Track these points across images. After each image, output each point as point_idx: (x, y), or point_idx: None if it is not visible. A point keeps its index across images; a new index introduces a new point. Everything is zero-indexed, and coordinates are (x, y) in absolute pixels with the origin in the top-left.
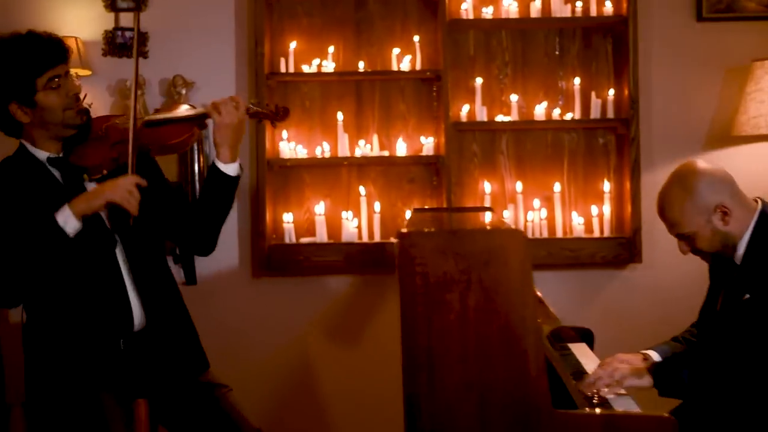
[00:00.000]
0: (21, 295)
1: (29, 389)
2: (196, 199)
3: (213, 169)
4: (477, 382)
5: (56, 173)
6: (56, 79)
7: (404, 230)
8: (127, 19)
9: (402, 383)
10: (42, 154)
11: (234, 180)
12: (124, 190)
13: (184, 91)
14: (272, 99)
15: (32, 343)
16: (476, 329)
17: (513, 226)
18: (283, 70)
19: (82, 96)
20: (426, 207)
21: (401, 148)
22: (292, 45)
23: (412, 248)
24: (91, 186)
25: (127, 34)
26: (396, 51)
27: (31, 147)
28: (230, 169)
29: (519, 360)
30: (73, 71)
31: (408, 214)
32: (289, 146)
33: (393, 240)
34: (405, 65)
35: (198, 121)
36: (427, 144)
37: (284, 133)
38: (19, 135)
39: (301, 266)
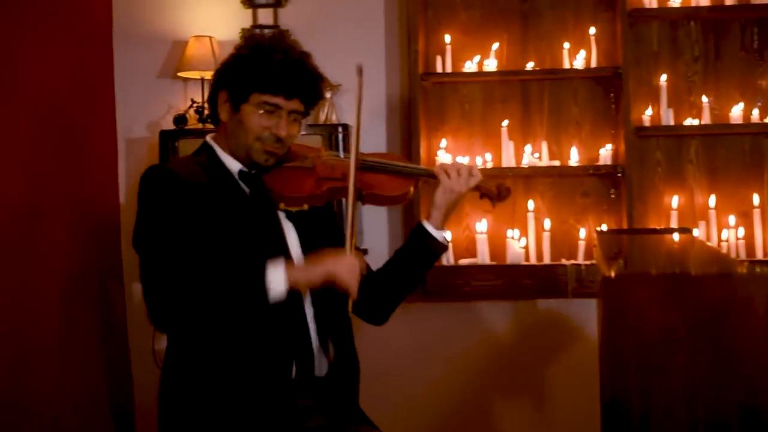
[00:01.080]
0: (186, 323)
1: None
2: (387, 264)
3: (419, 232)
4: None
5: (244, 187)
6: (272, 108)
7: (610, 273)
8: (265, 16)
9: None
10: (233, 164)
11: (440, 249)
12: (350, 271)
13: (328, 95)
14: (427, 102)
15: (178, 386)
16: (709, 405)
17: (758, 269)
18: (439, 69)
19: (290, 143)
20: (616, 228)
21: (574, 157)
22: (449, 41)
23: (622, 296)
24: (282, 217)
25: (266, 32)
26: (568, 46)
27: (221, 152)
28: (439, 234)
29: None
30: (208, 75)
31: (582, 233)
32: (447, 157)
33: (565, 262)
34: (578, 62)
35: (422, 177)
36: (604, 152)
37: (442, 142)
38: (216, 122)
39: (459, 291)
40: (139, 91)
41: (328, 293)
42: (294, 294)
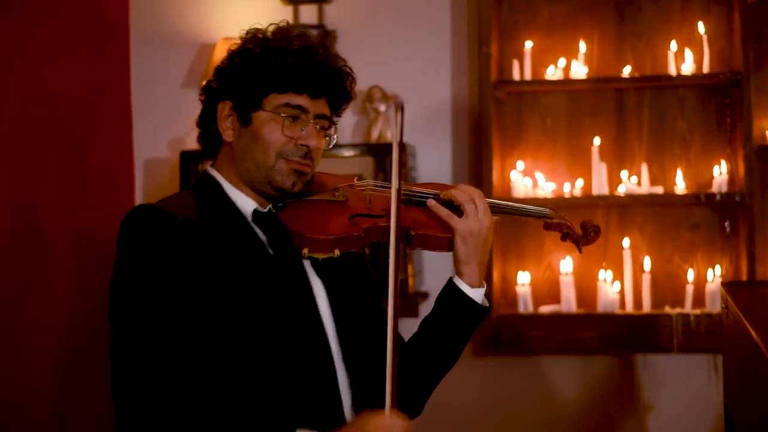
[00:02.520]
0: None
1: None
2: (414, 339)
3: (451, 292)
4: None
5: (259, 232)
6: (296, 111)
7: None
8: (309, 14)
9: None
10: (246, 203)
11: (480, 313)
12: None
13: (382, 107)
14: (501, 116)
15: None
16: None
17: None
18: (516, 76)
19: (316, 163)
20: (749, 281)
21: (680, 183)
22: (529, 44)
23: None
24: (308, 265)
25: (312, 32)
26: (674, 47)
27: (228, 186)
28: (477, 296)
29: None
30: None
31: (690, 275)
32: (524, 181)
33: (669, 310)
34: (686, 67)
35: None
36: (718, 176)
37: (518, 164)
38: (212, 153)
39: (540, 344)
40: (160, 103)
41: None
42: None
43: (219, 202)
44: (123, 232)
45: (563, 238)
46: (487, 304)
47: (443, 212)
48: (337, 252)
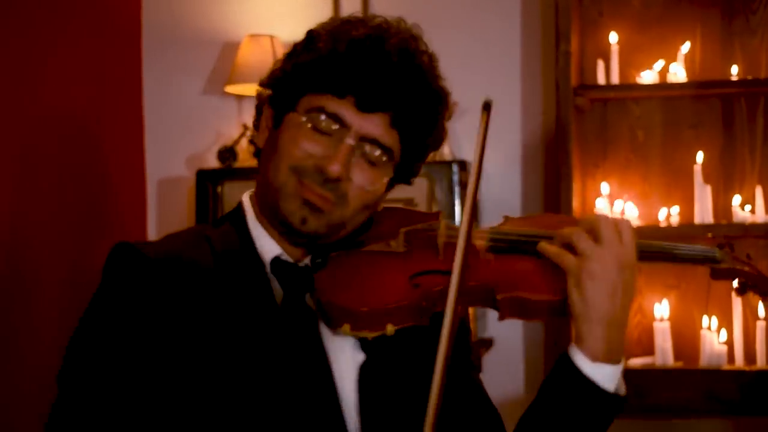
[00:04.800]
0: None
1: None
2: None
3: (563, 368)
4: None
5: (277, 288)
6: (330, 121)
7: None
8: (351, 5)
9: None
10: (268, 245)
11: (609, 403)
12: None
13: None
14: (583, 128)
15: None
16: None
17: None
18: (601, 80)
19: (351, 206)
20: None
21: None
22: (616, 40)
23: None
24: (343, 341)
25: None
26: None
27: (253, 223)
28: (604, 376)
29: None
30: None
31: None
32: (611, 206)
33: None
34: None
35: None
36: None
37: (603, 186)
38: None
39: (628, 405)
40: (177, 113)
41: None
42: None
43: (235, 243)
44: (101, 278)
45: (741, 291)
46: (623, 392)
47: (552, 250)
48: (390, 328)
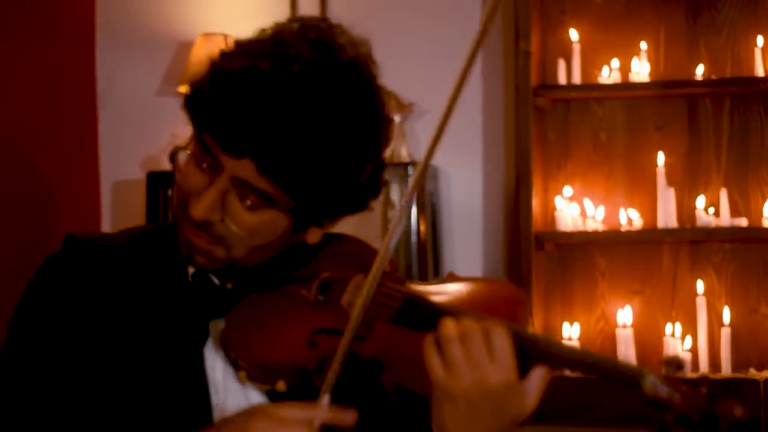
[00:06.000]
0: None
1: None
2: None
3: None
4: None
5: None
6: (207, 157)
7: None
8: (310, 5)
9: None
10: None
11: None
12: None
13: (397, 118)
14: (543, 129)
15: None
16: None
17: None
18: (562, 80)
19: (234, 249)
20: None
21: None
22: (576, 39)
23: None
24: (248, 391)
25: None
26: (760, 42)
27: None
28: None
29: None
30: None
31: None
32: (572, 210)
33: (755, 373)
34: None
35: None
36: None
37: (565, 189)
38: None
39: (591, 414)
40: (131, 114)
41: None
42: None
43: (171, 244)
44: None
45: (661, 420)
46: None
47: (426, 350)
48: (281, 385)
